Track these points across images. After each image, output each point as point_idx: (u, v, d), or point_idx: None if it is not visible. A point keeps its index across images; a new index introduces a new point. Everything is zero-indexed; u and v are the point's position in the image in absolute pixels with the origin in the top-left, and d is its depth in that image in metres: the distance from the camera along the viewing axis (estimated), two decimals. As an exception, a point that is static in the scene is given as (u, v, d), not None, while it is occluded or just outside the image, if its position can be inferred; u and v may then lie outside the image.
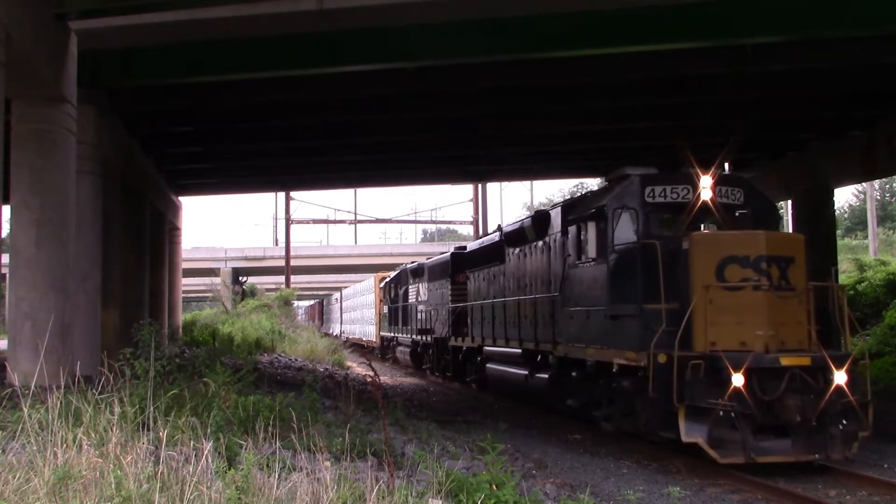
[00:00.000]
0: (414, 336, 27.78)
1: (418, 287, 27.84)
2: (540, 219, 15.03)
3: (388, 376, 26.24)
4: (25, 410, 5.89)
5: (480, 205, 44.64)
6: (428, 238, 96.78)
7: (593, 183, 38.38)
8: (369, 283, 40.62)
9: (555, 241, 14.13)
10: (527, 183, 72.09)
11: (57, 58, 13.07)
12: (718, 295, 10.34)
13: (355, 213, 65.72)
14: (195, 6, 14.23)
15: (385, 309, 34.90)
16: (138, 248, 23.42)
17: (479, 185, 43.86)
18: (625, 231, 11.56)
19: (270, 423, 7.19)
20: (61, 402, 6.19)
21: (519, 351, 15.86)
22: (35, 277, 12.74)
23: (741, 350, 10.06)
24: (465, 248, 24.11)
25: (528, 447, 11.71)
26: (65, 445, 5.54)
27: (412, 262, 30.79)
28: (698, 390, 9.82)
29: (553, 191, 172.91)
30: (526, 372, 15.34)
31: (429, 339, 25.29)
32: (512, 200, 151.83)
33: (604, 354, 11.71)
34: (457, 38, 14.69)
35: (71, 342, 13.09)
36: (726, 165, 20.71)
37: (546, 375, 14.36)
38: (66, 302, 13.09)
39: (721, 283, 10.37)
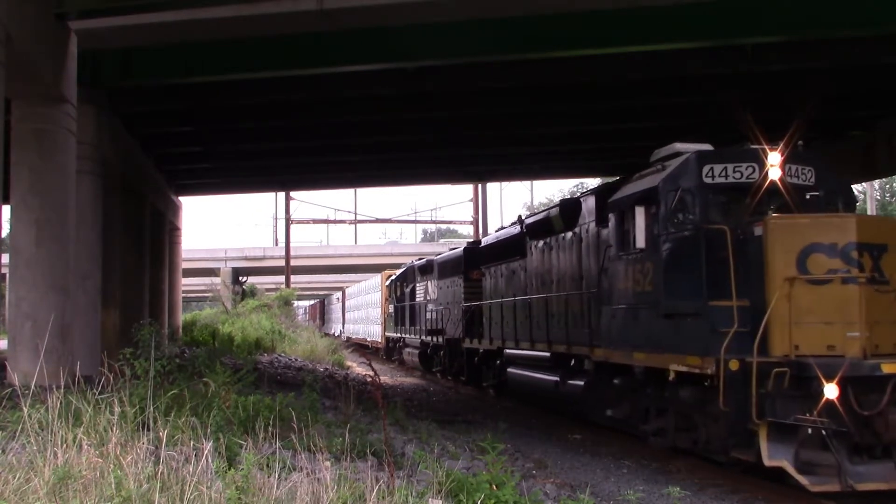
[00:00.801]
0: (423, 337, 26.26)
1: (427, 285, 26.40)
2: (569, 207, 13.74)
3: (388, 376, 26.22)
4: (25, 410, 5.89)
5: (480, 205, 44.65)
6: (428, 238, 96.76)
7: (593, 183, 38.41)
8: (375, 280, 39.49)
9: (587, 231, 12.81)
10: (527, 183, 72.21)
11: (57, 58, 13.07)
12: (801, 290, 8.82)
13: (355, 213, 65.80)
14: (195, 6, 14.25)
15: (391, 308, 33.47)
16: (138, 248, 23.43)
17: (479, 185, 43.89)
18: (681, 216, 10.04)
19: (270, 423, 7.18)
20: (61, 402, 6.19)
21: (547, 354, 14.31)
22: (35, 277, 12.75)
23: (830, 355, 8.66)
24: (479, 242, 22.37)
25: (528, 447, 11.70)
26: (65, 445, 5.54)
27: (420, 259, 29.45)
28: (783, 404, 8.45)
29: (553, 191, 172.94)
30: (556, 378, 13.74)
31: (439, 340, 23.75)
32: (512, 200, 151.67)
33: (656, 360, 10.20)
34: (457, 38, 14.71)
35: (71, 342, 13.10)
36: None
37: (581, 382, 12.82)
38: (66, 302, 13.10)
39: (804, 275, 8.86)
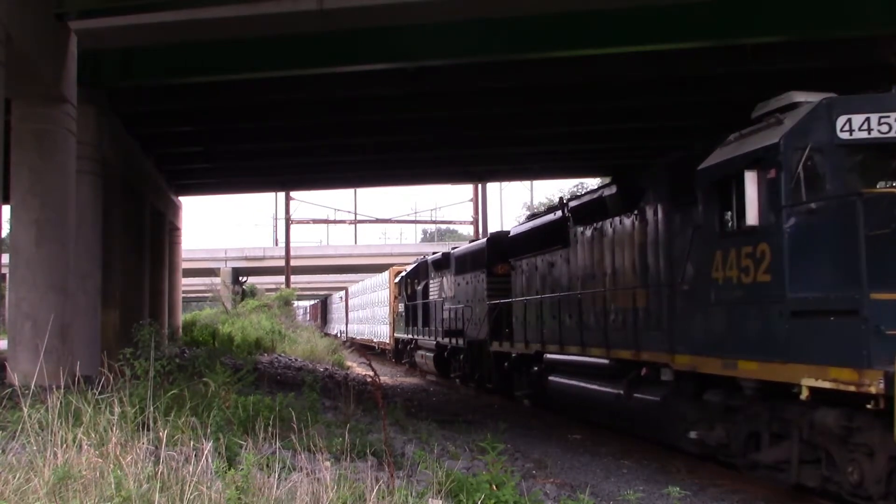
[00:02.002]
0: (439, 339, 24.03)
1: (442, 281, 24.39)
2: (629, 184, 11.82)
3: (388, 376, 26.23)
4: (25, 410, 5.88)
5: (480, 205, 44.67)
6: (428, 238, 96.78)
7: (593, 182, 38.35)
8: (383, 277, 37.68)
9: (657, 211, 10.77)
10: (527, 183, 72.20)
11: (57, 58, 13.07)
12: None
13: (355, 213, 65.83)
14: (195, 6, 14.25)
15: (401, 307, 31.38)
16: (138, 248, 23.44)
17: (479, 185, 43.91)
18: (811, 183, 7.86)
19: (270, 423, 7.18)
20: (61, 402, 6.18)
21: (605, 361, 12.13)
22: (35, 277, 12.75)
23: None
24: (507, 232, 19.87)
25: (528, 447, 11.70)
26: (65, 445, 5.53)
27: (434, 253, 27.65)
28: None
29: (553, 191, 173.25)
30: (618, 390, 11.63)
31: (459, 342, 21.62)
32: (512, 200, 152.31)
33: (776, 371, 7.91)
34: (457, 38, 14.71)
35: (71, 342, 13.09)
36: None
37: (656, 397, 10.61)
38: (66, 302, 13.09)
39: None
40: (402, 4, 14.29)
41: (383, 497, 5.47)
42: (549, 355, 14.70)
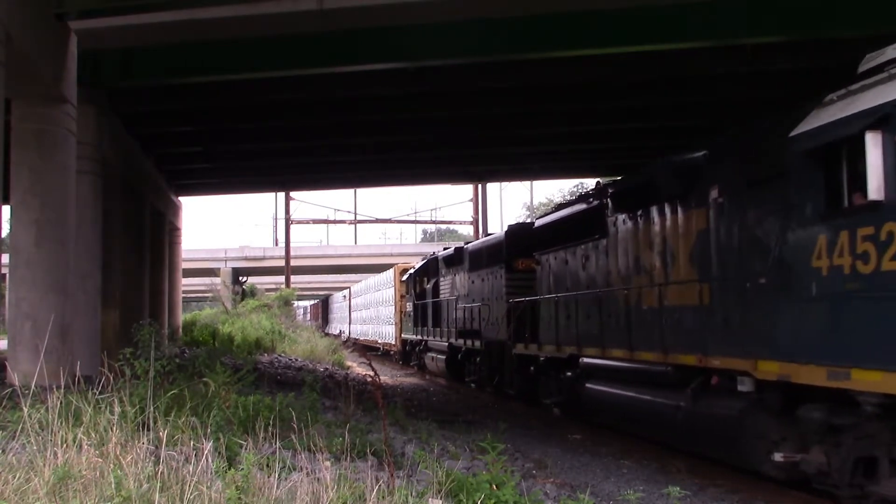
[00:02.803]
0: (452, 340, 22.44)
1: (454, 278, 23.01)
2: (682, 164, 10.27)
3: (388, 376, 26.22)
4: (25, 410, 5.88)
5: (480, 205, 44.67)
6: (428, 238, 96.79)
7: (593, 183, 38.32)
8: (387, 275, 36.13)
9: (726, 192, 9.19)
10: (526, 183, 72.20)
11: (57, 58, 13.07)
12: None
13: (355, 213, 65.74)
14: (195, 6, 14.26)
15: (408, 306, 29.75)
16: (138, 248, 23.45)
17: (479, 185, 43.90)
18: None
19: (270, 423, 7.18)
20: (61, 402, 6.18)
21: (662, 367, 10.48)
22: (35, 277, 12.75)
23: None
24: (530, 224, 18.21)
25: (528, 447, 11.69)
26: (65, 445, 5.53)
27: (445, 248, 26.13)
28: None
29: (553, 191, 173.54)
30: (677, 402, 10.02)
31: (475, 344, 20.08)
32: (512, 200, 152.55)
33: None
34: (457, 38, 14.72)
35: (71, 342, 13.10)
36: None
37: (731, 412, 8.97)
38: (66, 302, 13.09)
39: None
40: (402, 4, 14.29)
41: (383, 497, 5.47)
42: (586, 359, 12.99)
